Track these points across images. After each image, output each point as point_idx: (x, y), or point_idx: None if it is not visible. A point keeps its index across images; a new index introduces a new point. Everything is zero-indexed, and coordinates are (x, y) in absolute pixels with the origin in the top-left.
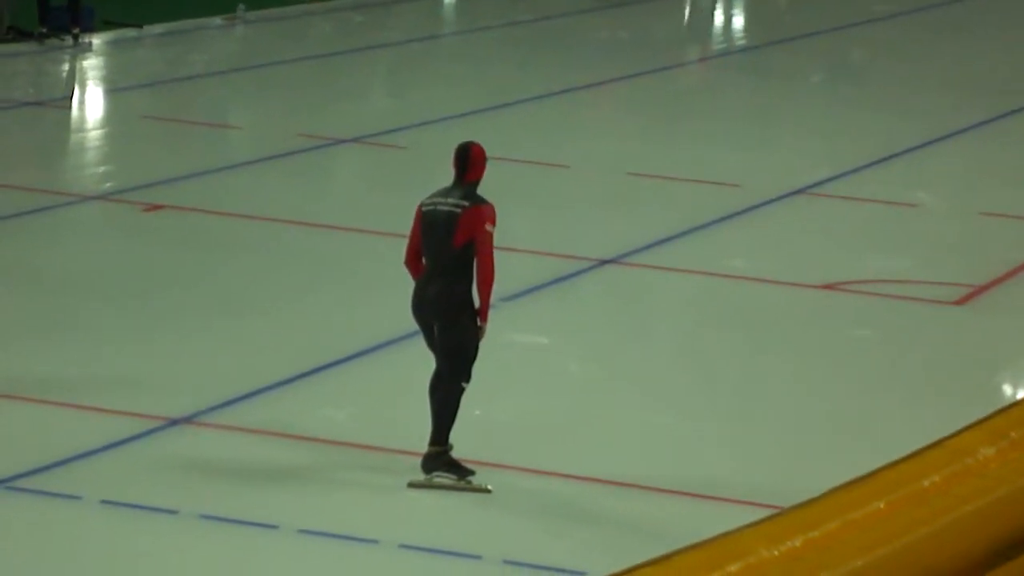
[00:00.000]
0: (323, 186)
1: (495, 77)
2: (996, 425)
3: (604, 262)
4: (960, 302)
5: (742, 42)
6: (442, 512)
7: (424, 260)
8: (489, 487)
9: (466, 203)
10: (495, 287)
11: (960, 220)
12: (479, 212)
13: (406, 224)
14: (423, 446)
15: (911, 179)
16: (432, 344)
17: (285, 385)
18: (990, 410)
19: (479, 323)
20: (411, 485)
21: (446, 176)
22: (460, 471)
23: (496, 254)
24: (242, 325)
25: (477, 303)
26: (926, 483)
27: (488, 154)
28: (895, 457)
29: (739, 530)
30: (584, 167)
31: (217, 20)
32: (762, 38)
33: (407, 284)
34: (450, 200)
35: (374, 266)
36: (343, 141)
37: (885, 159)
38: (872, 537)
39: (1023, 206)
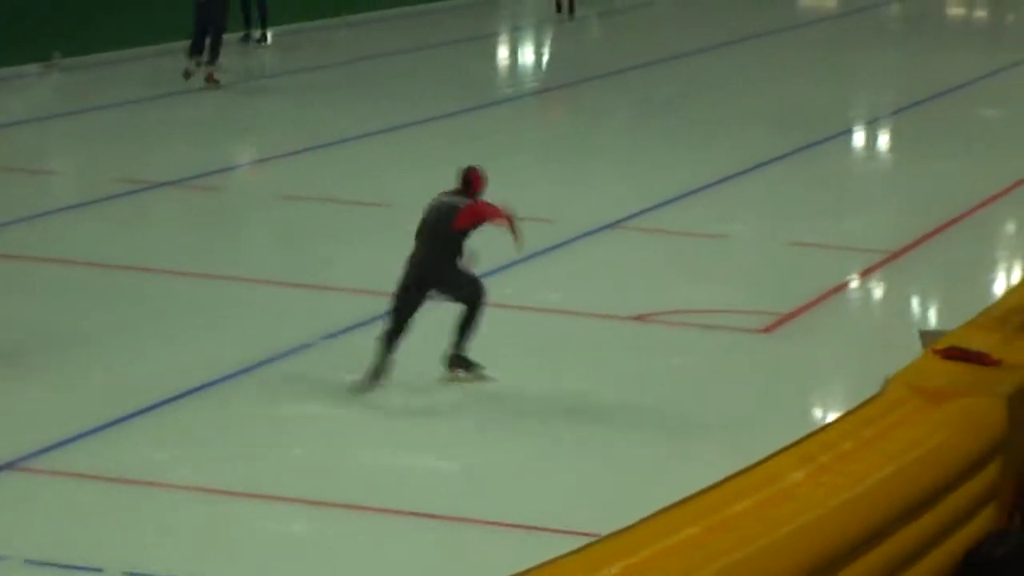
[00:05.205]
0: (142, 229)
1: (311, 118)
2: (805, 450)
3: None
4: (768, 330)
5: (554, 79)
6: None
7: (416, 244)
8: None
9: (469, 200)
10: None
11: (767, 250)
12: (480, 202)
13: (222, 266)
14: (242, 486)
15: (720, 211)
16: (410, 314)
17: (107, 428)
18: (799, 435)
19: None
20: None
21: (262, 214)
22: (472, 366)
23: (317, 292)
24: (63, 368)
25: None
26: (739, 508)
27: (303, 195)
28: (708, 483)
29: (558, 559)
30: (402, 205)
31: (34, 67)
32: (573, 76)
33: (224, 326)
34: (456, 198)
35: (192, 307)
36: (160, 184)
37: (694, 191)
38: (688, 562)
39: (828, 235)
